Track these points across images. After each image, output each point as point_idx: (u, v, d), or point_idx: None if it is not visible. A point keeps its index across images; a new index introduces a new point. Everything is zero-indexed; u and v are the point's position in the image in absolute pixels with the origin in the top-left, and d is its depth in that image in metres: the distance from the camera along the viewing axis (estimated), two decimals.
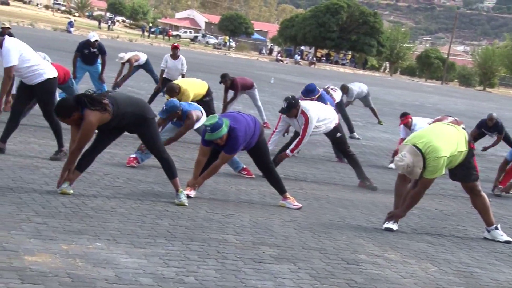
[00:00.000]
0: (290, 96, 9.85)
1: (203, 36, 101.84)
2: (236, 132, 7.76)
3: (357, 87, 18.89)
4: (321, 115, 9.87)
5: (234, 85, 14.91)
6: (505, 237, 7.84)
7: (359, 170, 10.25)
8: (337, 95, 14.78)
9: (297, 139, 9.91)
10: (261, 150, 8.18)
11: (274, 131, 10.24)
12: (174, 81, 12.20)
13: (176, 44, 15.54)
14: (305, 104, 9.88)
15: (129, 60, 17.27)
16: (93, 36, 14.42)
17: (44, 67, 8.75)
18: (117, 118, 7.11)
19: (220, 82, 15.01)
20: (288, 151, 9.94)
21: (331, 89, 14.67)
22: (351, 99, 18.86)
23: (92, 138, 7.26)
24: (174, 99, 9.71)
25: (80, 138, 7.00)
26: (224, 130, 7.66)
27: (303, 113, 9.71)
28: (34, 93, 8.81)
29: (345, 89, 17.96)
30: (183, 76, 14.95)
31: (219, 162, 8.00)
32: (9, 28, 17.32)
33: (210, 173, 8.02)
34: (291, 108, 9.70)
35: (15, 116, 8.86)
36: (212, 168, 8.00)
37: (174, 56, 15.52)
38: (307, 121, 9.71)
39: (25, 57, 8.60)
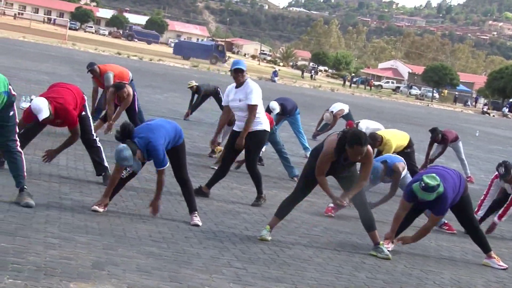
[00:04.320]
0: (507, 161, 9.47)
1: (410, 87, 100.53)
2: (446, 193, 7.37)
3: None
4: None
5: (443, 139, 14.51)
6: None
7: None
8: None
9: (506, 205, 9.44)
10: (465, 206, 7.80)
11: (485, 197, 9.81)
12: (377, 132, 12.09)
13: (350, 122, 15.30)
14: None
15: (334, 115, 17.57)
16: (275, 109, 14.53)
17: (263, 118, 9.00)
18: None
19: (432, 138, 14.52)
20: (495, 219, 9.46)
21: None
22: None
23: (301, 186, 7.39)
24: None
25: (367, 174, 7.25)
26: (434, 196, 7.31)
27: None
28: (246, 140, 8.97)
29: None
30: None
31: (430, 225, 7.67)
32: (196, 84, 18.44)
33: (420, 235, 7.69)
34: (510, 172, 9.35)
35: (226, 166, 9.12)
36: (423, 230, 7.67)
37: None
38: None
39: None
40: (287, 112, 14.66)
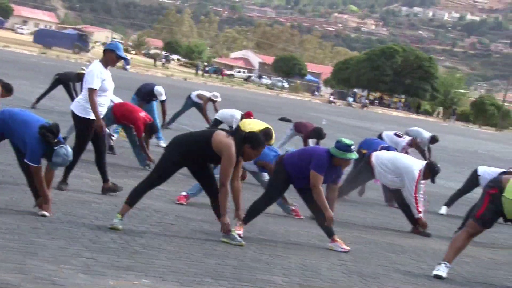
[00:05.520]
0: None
1: (260, 77, 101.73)
2: None
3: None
4: None
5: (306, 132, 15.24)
6: None
7: (410, 216, 10.09)
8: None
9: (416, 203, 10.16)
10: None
11: (416, 196, 10.03)
12: (251, 123, 11.44)
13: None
14: None
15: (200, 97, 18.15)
16: (161, 94, 14.69)
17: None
18: None
19: (314, 137, 15.19)
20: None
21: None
22: None
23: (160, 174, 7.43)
24: None
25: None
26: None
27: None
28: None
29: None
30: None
31: (315, 189, 8.00)
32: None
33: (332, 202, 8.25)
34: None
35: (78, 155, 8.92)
36: (330, 201, 8.20)
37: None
38: None
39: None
40: (141, 96, 14.62)
